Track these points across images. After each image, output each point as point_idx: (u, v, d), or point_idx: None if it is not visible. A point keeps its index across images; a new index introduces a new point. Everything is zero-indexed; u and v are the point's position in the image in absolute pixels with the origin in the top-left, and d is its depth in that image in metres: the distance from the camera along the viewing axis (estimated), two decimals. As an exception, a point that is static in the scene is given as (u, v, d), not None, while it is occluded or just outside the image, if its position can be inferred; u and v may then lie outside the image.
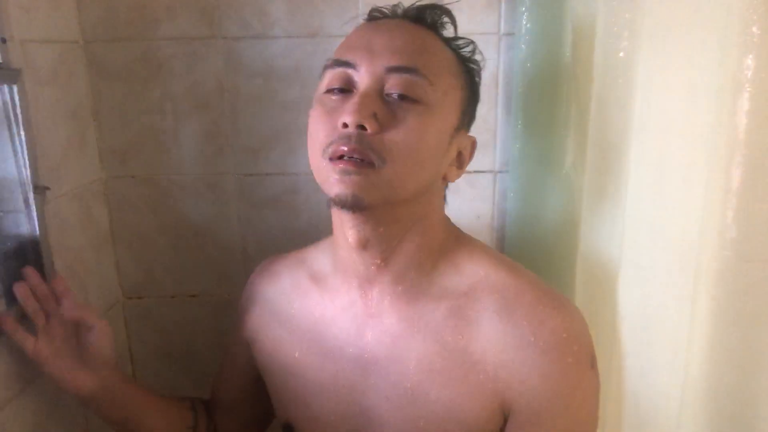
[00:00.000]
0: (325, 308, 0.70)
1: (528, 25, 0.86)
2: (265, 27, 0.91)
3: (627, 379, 0.77)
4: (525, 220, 0.93)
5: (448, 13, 0.67)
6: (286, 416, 0.74)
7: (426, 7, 0.66)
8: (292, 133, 0.94)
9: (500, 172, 0.96)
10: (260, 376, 0.77)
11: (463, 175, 0.69)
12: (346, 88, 0.61)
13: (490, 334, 0.63)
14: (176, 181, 0.96)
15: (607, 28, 0.73)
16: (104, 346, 0.73)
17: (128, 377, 0.80)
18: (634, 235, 0.73)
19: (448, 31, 0.67)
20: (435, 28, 0.66)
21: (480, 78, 0.69)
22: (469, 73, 0.67)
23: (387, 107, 0.60)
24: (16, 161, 0.72)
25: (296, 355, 0.71)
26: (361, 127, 0.58)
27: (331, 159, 0.59)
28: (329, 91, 0.62)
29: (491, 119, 0.94)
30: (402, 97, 0.60)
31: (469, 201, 0.97)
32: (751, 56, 0.55)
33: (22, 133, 0.71)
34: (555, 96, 0.87)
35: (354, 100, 0.59)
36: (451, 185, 0.70)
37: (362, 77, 0.61)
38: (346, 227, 0.63)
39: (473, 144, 0.69)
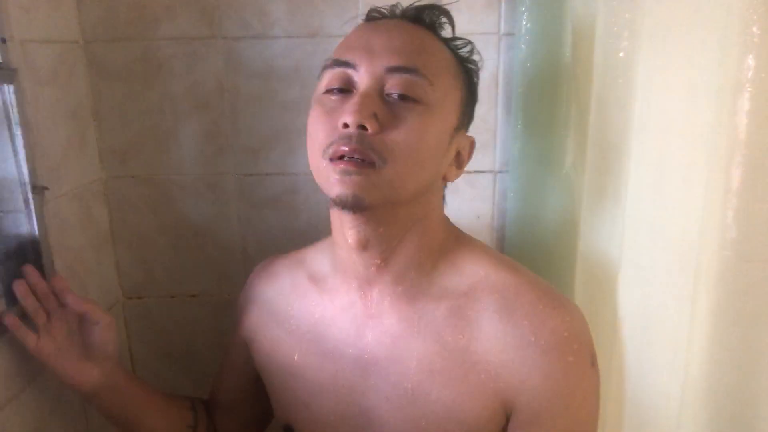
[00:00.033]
0: (324, 309, 0.70)
1: (528, 25, 0.86)
2: (265, 27, 0.91)
3: (627, 379, 0.77)
4: (525, 220, 0.93)
5: (446, 14, 0.67)
6: (286, 417, 0.74)
7: (424, 7, 0.66)
8: (292, 133, 0.94)
9: (500, 172, 0.96)
10: (259, 376, 0.77)
11: (463, 175, 0.69)
12: (345, 88, 0.61)
13: (491, 334, 0.63)
14: (176, 181, 0.96)
15: (607, 28, 0.73)
16: (109, 341, 0.73)
17: (131, 373, 0.80)
18: (634, 235, 0.73)
19: (446, 32, 0.68)
20: (433, 28, 0.66)
21: (478, 78, 0.69)
22: (467, 73, 0.67)
23: (387, 107, 0.59)
24: (16, 161, 0.72)
25: (295, 356, 0.71)
26: (362, 127, 0.58)
27: (331, 159, 0.59)
28: (329, 91, 0.62)
29: (491, 119, 0.94)
30: (402, 97, 0.60)
31: (469, 201, 0.97)
32: (751, 56, 0.55)
33: (20, 132, 0.71)
34: (555, 96, 0.87)
35: (354, 100, 0.59)
36: (450, 185, 0.70)
37: (362, 77, 0.61)
38: (346, 228, 0.63)
39: (472, 144, 0.69)
